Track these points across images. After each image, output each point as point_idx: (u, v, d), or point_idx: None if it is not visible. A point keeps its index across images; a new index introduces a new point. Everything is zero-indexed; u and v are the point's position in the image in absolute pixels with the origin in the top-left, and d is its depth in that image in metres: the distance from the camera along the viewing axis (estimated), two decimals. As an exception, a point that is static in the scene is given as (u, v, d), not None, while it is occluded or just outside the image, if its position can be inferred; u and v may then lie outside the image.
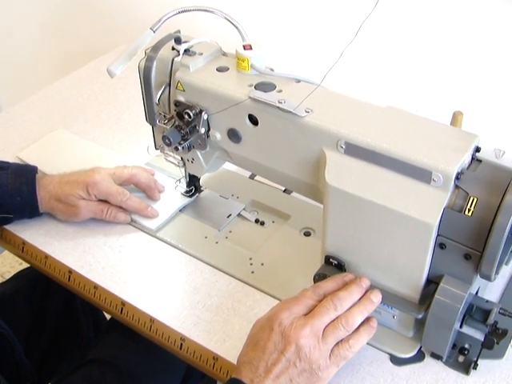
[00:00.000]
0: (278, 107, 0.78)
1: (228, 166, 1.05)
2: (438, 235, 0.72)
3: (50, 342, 1.16)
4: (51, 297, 1.17)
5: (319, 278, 0.82)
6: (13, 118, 1.30)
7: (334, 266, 0.82)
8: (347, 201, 0.75)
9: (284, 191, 1.07)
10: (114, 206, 1.01)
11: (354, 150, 0.75)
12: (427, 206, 0.70)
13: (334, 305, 0.75)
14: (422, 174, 0.71)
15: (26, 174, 0.99)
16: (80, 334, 1.23)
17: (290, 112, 0.78)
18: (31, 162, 1.08)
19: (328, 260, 0.82)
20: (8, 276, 2.09)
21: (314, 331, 0.73)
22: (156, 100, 0.90)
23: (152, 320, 0.88)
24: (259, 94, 0.80)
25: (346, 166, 0.75)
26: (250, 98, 0.80)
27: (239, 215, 1.04)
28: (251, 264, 0.95)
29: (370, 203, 0.73)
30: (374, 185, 0.74)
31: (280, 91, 0.81)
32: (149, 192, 1.05)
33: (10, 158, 1.11)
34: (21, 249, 1.01)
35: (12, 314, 1.09)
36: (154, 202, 1.05)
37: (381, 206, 0.72)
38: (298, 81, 0.83)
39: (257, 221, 1.03)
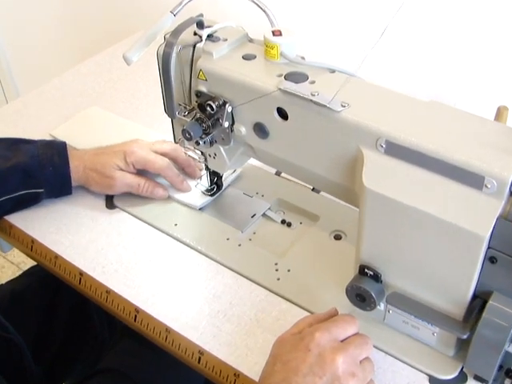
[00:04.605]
0: (311, 100, 0.74)
1: (253, 161, 0.99)
2: (488, 248, 0.66)
3: (62, 343, 1.11)
4: (63, 294, 1.12)
5: (352, 289, 0.76)
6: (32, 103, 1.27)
7: (369, 276, 0.76)
8: (386, 206, 0.69)
9: (313, 190, 1.02)
10: (151, 181, 0.99)
11: (395, 150, 0.69)
12: (478, 216, 0.65)
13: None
14: (472, 179, 0.65)
15: (56, 146, 0.98)
16: (94, 335, 1.18)
17: (324, 106, 0.73)
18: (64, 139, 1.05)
19: (363, 270, 0.76)
20: (24, 266, 2.10)
21: (354, 359, 0.69)
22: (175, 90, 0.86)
23: (168, 330, 0.82)
24: (289, 85, 0.76)
25: (386, 168, 0.70)
26: (279, 89, 0.76)
27: (264, 215, 0.99)
28: (277, 270, 0.89)
29: (412, 210, 0.67)
30: (417, 189, 0.68)
31: (313, 82, 0.76)
32: (188, 169, 1.03)
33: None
34: (29, 247, 0.96)
35: (22, 313, 1.06)
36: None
37: (424, 213, 0.67)
38: (333, 71, 0.79)
39: (283, 222, 0.98)
